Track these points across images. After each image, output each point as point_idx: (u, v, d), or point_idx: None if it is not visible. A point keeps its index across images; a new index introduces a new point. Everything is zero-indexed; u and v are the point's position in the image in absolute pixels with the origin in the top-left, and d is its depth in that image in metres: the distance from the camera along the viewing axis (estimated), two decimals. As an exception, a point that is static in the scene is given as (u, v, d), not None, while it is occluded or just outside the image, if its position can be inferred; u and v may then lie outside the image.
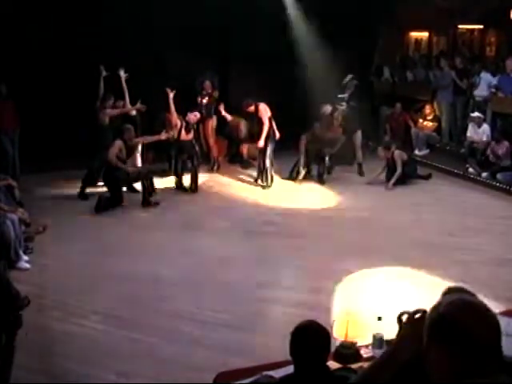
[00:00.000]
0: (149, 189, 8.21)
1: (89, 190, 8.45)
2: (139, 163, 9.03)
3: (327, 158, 9.40)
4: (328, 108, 9.61)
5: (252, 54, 10.05)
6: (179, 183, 9.05)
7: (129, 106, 8.91)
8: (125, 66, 8.77)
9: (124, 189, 8.28)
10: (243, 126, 10.02)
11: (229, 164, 10.54)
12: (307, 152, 9.33)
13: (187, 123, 8.91)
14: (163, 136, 8.57)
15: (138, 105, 9.00)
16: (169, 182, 9.06)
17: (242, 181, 9.58)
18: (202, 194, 8.84)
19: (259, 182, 9.33)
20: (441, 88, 10.78)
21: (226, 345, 4.60)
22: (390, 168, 9.19)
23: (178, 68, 9.95)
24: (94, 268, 6.11)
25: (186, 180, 8.99)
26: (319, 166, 9.48)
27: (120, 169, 7.91)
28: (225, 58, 11.01)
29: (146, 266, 6.18)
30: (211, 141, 10.12)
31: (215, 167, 10.16)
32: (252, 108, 8.99)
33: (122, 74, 8.77)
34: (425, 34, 12.84)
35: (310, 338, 2.63)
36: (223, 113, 9.76)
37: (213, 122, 10.15)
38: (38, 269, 5.93)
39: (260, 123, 9.01)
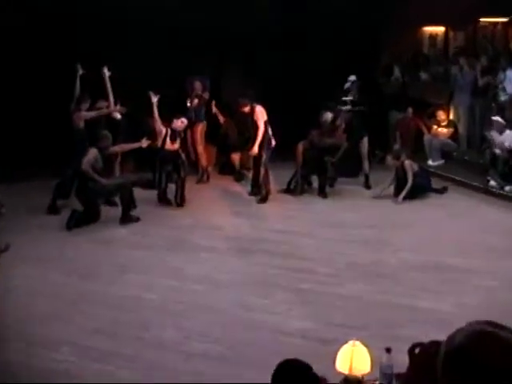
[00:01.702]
0: (128, 202, 8.24)
1: (60, 202, 8.49)
2: (117, 173, 9.15)
3: (328, 168, 9.52)
4: (329, 115, 9.70)
5: (247, 51, 10.23)
6: (163, 196, 9.09)
7: (112, 107, 8.97)
8: (110, 64, 8.84)
9: (101, 202, 8.34)
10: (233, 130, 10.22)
11: (219, 175, 10.60)
12: (305, 161, 9.41)
13: (173, 131, 8.96)
14: (143, 144, 8.60)
15: (118, 106, 9.04)
16: (151, 194, 9.09)
17: (234, 194, 9.64)
18: (188, 209, 8.86)
19: (253, 195, 9.40)
20: (458, 89, 10.85)
21: (216, 380, 4.62)
22: (400, 180, 9.25)
23: (168, 66, 10.10)
24: (65, 292, 6.10)
25: (171, 193, 9.03)
26: (320, 177, 9.56)
27: (95, 180, 7.94)
28: (218, 56, 11.17)
29: (126, 290, 6.19)
30: (200, 148, 10.19)
31: (204, 178, 10.22)
32: (247, 109, 9.06)
33: (106, 72, 8.81)
34: (440, 29, 12.92)
35: (292, 380, 2.62)
36: (214, 110, 9.77)
37: (203, 127, 10.22)
38: (-1, 293, 5.92)
39: (255, 128, 9.08)
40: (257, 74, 10.54)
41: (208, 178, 10.25)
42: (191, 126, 9.88)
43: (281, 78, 10.65)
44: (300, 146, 9.44)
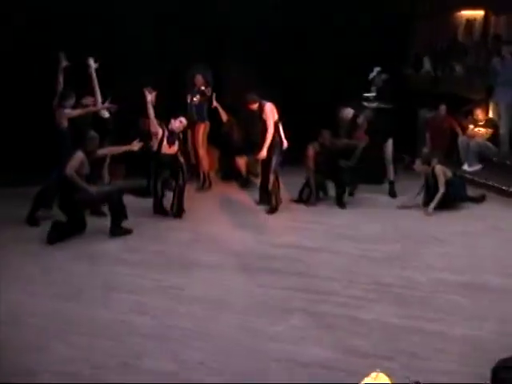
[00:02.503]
0: (119, 213, 8.22)
1: (41, 213, 8.49)
2: (106, 180, 9.19)
3: (345, 174, 9.52)
4: (349, 111, 9.74)
5: (253, 42, 10.29)
6: (159, 206, 9.08)
7: (99, 103, 9.01)
8: (97, 54, 8.87)
9: (87, 212, 8.37)
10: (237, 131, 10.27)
11: (222, 181, 10.66)
12: (318, 166, 9.43)
13: (171, 132, 8.98)
14: (136, 146, 8.59)
15: (107, 103, 9.05)
16: (145, 203, 9.10)
17: (239, 203, 9.66)
18: (187, 220, 8.87)
19: (261, 204, 9.44)
20: (499, 83, 10.79)
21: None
22: (431, 188, 9.25)
23: (165, 58, 10.20)
24: (46, 315, 6.05)
25: (168, 202, 9.04)
26: (336, 184, 9.58)
27: (80, 187, 7.95)
28: (220, 47, 11.27)
29: (115, 313, 6.14)
30: (201, 151, 10.25)
31: (205, 185, 10.27)
32: (255, 106, 9.09)
33: (92, 63, 8.85)
34: (479, 13, 12.83)
35: None
36: (215, 104, 9.86)
37: (205, 128, 10.27)
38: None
39: (263, 128, 9.11)
40: (265, 67, 10.63)
41: (210, 185, 10.30)
42: (191, 126, 9.93)
43: (292, 70, 10.74)
44: (310, 149, 9.48)
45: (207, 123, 10.25)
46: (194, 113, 10.03)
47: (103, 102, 9.00)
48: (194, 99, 10.10)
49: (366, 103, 10.11)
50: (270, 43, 10.66)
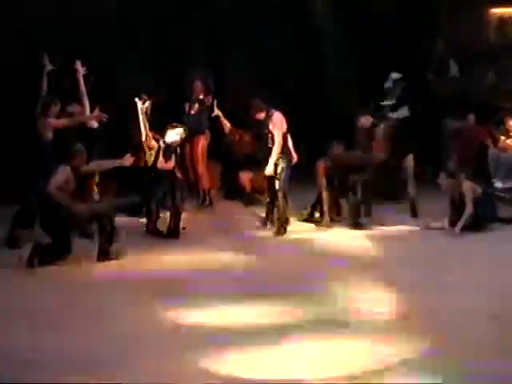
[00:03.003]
0: (109, 235, 8.21)
1: (22, 234, 8.53)
2: (95, 198, 9.13)
3: (359, 191, 9.51)
4: (368, 119, 9.74)
5: (259, 43, 10.50)
6: (153, 227, 9.10)
7: (87, 112, 9.05)
8: (85, 57, 8.94)
9: (73, 234, 8.30)
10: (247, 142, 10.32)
11: (225, 199, 10.79)
12: (330, 182, 9.42)
13: (167, 145, 8.99)
14: (128, 161, 8.58)
15: (96, 112, 9.04)
16: (138, 224, 9.18)
17: (243, 224, 9.66)
18: (185, 243, 8.87)
19: (268, 225, 9.48)
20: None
21: None
22: (457, 206, 9.19)
23: (161, 62, 10.46)
24: (22, 350, 5.89)
25: (164, 222, 9.07)
26: (350, 202, 9.56)
27: (66, 206, 7.92)
28: (222, 47, 11.46)
29: (105, 349, 5.94)
30: (200, 166, 10.43)
31: (205, 204, 10.39)
32: (262, 115, 9.12)
33: (80, 67, 8.87)
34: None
35: None
36: (216, 112, 9.95)
37: (204, 140, 10.36)
38: None
39: (271, 140, 9.13)
40: (273, 70, 10.85)
41: (210, 203, 10.41)
42: (190, 138, 9.97)
43: (303, 75, 10.95)
44: (321, 164, 9.50)
45: (207, 134, 10.35)
46: (192, 123, 10.07)
47: (92, 111, 9.01)
48: (193, 109, 10.19)
49: (384, 112, 10.18)
50: (278, 44, 10.87)
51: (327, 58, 11.30)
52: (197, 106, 10.20)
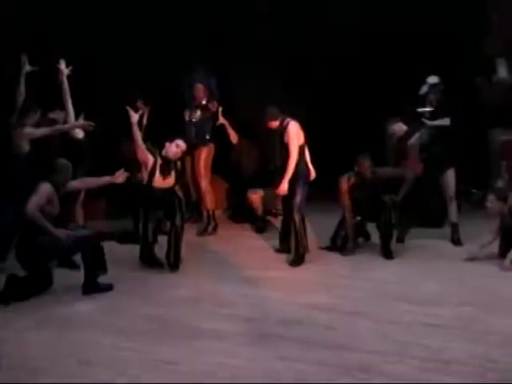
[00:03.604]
0: (95, 264, 8.15)
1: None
2: (80, 221, 9.17)
3: (392, 213, 9.42)
4: (401, 127, 9.79)
5: (272, 41, 10.62)
6: (149, 254, 9.04)
7: (72, 120, 9.07)
8: (69, 56, 9.00)
9: (54, 264, 8.32)
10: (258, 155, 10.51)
11: (232, 222, 10.94)
12: (356, 204, 9.42)
13: (165, 160, 8.92)
14: (118, 178, 8.55)
15: (81, 121, 9.01)
16: (131, 251, 9.12)
17: (253, 251, 9.68)
18: (186, 274, 8.87)
19: (282, 253, 9.46)
20: None
21: None
22: (508, 233, 9.13)
23: (157, 63, 10.54)
24: None
25: (161, 249, 9.03)
26: (380, 227, 9.51)
27: (46, 230, 7.86)
28: (228, 46, 11.62)
29: None
30: (204, 184, 10.38)
31: (209, 228, 10.39)
32: (276, 125, 9.11)
33: (63, 67, 8.89)
34: None
35: None
36: (221, 121, 10.11)
37: (208, 153, 10.38)
38: None
39: (285, 154, 9.11)
40: (288, 73, 11.03)
41: (215, 227, 10.42)
42: (191, 151, 10.03)
43: (323, 78, 11.20)
44: (344, 182, 9.46)
45: (211, 147, 10.39)
46: (193, 134, 10.22)
47: (77, 118, 9.00)
48: (194, 116, 10.23)
49: (421, 119, 10.03)
50: (293, 42, 11.10)
51: (353, 55, 11.55)
52: (199, 113, 10.25)
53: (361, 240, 9.79)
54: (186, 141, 9.29)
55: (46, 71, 8.90)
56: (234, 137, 10.55)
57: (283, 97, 10.02)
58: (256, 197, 10.56)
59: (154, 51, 10.63)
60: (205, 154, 10.33)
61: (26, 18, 9.99)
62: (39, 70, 8.92)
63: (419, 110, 10.01)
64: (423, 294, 8.19)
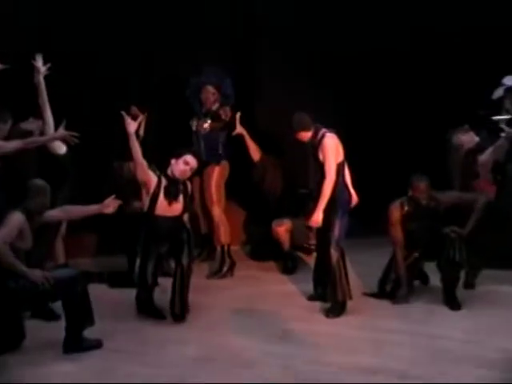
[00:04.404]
0: (81, 314, 7.89)
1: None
2: (61, 259, 9.15)
3: (457, 250, 9.22)
4: (471, 137, 9.90)
5: (302, 32, 10.69)
6: (148, 301, 8.94)
7: (51, 130, 8.97)
8: (48, 53, 8.97)
9: (26, 314, 8.21)
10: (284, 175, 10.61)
11: (252, 260, 10.94)
12: (410, 237, 9.33)
13: (171, 181, 8.79)
14: (109, 207, 8.35)
15: (61, 131, 8.79)
16: (126, 297, 9.06)
17: (279, 297, 9.57)
18: (194, 326, 8.70)
19: (316, 300, 9.34)
20: None
21: None
22: None
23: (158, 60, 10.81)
24: None
25: (164, 295, 8.97)
26: (442, 268, 9.31)
27: (17, 272, 7.70)
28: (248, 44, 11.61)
29: None
30: (217, 212, 10.35)
31: (224, 268, 10.32)
32: (308, 136, 8.95)
33: (40, 64, 8.88)
34: None
35: None
36: (238, 130, 10.16)
37: (221, 173, 10.35)
38: None
39: (320, 173, 8.97)
40: (323, 73, 11.15)
41: (232, 266, 10.35)
42: (200, 170, 9.87)
43: (366, 83, 11.41)
44: (395, 210, 9.34)
45: (225, 165, 10.39)
46: (203, 148, 10.22)
47: (56, 129, 8.84)
48: (204, 126, 10.23)
49: (498, 129, 9.94)
50: (332, 35, 11.19)
51: (405, 54, 11.71)
52: (209, 122, 10.19)
53: (417, 284, 9.65)
54: (198, 157, 9.20)
55: (18, 70, 8.92)
56: (254, 152, 10.51)
57: (316, 102, 10.10)
58: (283, 228, 10.43)
59: (153, 45, 10.77)
60: (217, 175, 10.33)
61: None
62: (10, 69, 8.89)
63: (494, 117, 10.01)
64: (496, 355, 7.96)
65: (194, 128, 10.27)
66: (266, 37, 11.73)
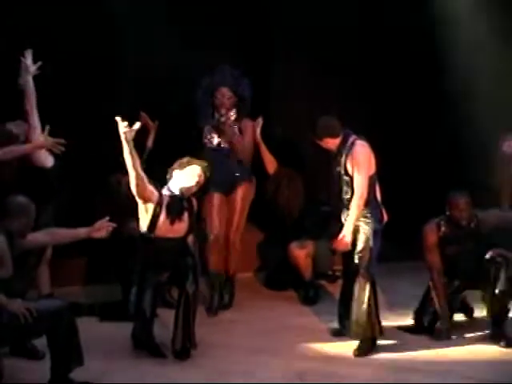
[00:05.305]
0: (68, 352, 7.68)
1: None
2: (45, 289, 9.15)
3: (507, 278, 8.98)
4: None
5: (325, 29, 10.93)
6: (147, 336, 8.76)
7: (38, 137, 8.79)
8: (39, 48, 8.89)
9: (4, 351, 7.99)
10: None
11: (267, 289, 10.83)
12: (451, 263, 9.14)
13: (175, 198, 8.62)
14: (99, 231, 8.16)
15: (43, 138, 8.69)
16: (121, 331, 8.95)
17: (299, 332, 9.42)
18: (201, 365, 8.49)
19: (343, 335, 9.11)
20: None
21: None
22: None
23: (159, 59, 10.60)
24: None
25: (166, 329, 8.85)
26: (489, 299, 9.11)
27: None
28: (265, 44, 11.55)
29: None
30: (236, 238, 10.12)
31: (234, 297, 10.24)
32: (335, 143, 8.73)
33: (29, 62, 8.76)
34: None
35: None
36: (257, 138, 9.90)
37: (248, 193, 10.14)
38: None
39: (347, 188, 8.77)
40: (348, 75, 11.21)
41: (231, 297, 10.23)
42: (227, 189, 10.03)
43: (397, 85, 11.29)
44: (431, 232, 9.14)
45: (252, 183, 10.13)
46: (229, 163, 9.99)
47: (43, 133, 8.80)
48: (215, 137, 10.00)
49: None
50: (359, 33, 11.23)
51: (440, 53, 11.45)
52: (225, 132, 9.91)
53: (460, 317, 9.45)
54: (206, 168, 8.99)
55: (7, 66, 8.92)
56: (270, 163, 10.17)
57: (342, 106, 10.01)
58: (303, 252, 10.25)
59: (153, 45, 10.62)
60: (242, 196, 10.00)
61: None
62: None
63: None
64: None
65: (205, 138, 9.93)
66: (280, 36, 11.65)
